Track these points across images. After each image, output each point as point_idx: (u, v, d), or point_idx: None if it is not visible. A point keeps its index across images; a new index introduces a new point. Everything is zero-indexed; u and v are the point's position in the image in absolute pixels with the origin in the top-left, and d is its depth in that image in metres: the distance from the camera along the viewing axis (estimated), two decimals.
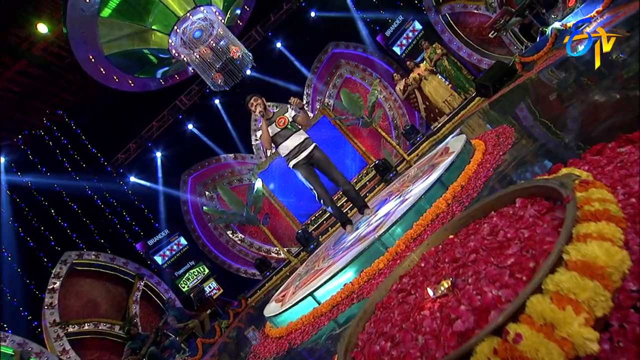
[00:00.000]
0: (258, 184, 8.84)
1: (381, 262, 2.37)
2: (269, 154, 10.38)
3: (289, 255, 9.03)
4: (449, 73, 8.62)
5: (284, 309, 2.84)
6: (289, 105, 3.83)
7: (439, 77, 8.83)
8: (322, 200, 3.72)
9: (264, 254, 10.38)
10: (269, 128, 3.71)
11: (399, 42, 10.65)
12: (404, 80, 8.78)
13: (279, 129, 3.72)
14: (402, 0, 11.69)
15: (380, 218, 3.03)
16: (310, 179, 3.69)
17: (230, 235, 10.49)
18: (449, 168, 2.68)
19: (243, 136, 11.54)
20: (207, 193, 10.59)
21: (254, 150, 10.96)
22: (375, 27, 12.09)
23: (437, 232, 1.23)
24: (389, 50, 11.07)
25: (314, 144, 3.80)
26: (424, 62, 9.02)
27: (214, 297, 10.03)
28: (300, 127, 3.81)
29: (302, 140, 3.73)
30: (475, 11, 9.09)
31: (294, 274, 4.81)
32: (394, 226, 2.47)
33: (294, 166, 3.74)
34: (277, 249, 9.19)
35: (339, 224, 8.09)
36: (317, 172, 3.78)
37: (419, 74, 8.64)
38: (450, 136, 6.42)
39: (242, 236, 10.51)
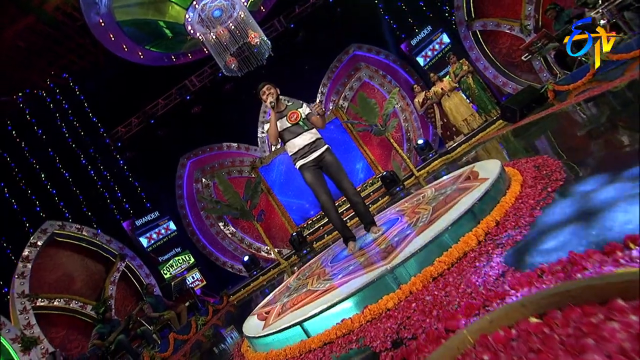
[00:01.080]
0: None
1: (390, 300, 1.96)
2: (273, 149, 9.98)
3: (280, 257, 8.61)
4: (473, 92, 8.21)
5: (266, 332, 2.43)
6: (303, 102, 3.45)
7: (461, 94, 8.43)
8: (325, 209, 3.32)
9: (253, 251, 9.96)
10: (278, 122, 3.31)
11: (423, 53, 10.26)
12: (424, 92, 8.38)
13: (289, 124, 3.32)
14: (432, 10, 11.32)
15: (390, 242, 2.62)
16: (316, 184, 3.28)
17: (222, 227, 10.08)
18: (483, 197, 2.27)
19: (250, 127, 11.14)
20: (203, 180, 10.18)
21: (259, 143, 10.55)
22: (400, 34, 11.72)
23: (508, 306, 0.83)
24: (411, 60, 10.68)
25: (326, 146, 3.40)
26: (447, 76, 8.62)
27: (195, 289, 9.61)
28: (312, 125, 3.40)
29: (313, 139, 3.33)
30: (507, 31, 8.70)
31: (283, 284, 4.40)
32: (410, 258, 2.06)
33: (300, 167, 3.33)
34: (268, 248, 8.79)
35: (336, 233, 7.69)
36: (325, 177, 3.38)
37: (441, 89, 8.24)
38: (465, 156, 6.01)
39: (234, 230, 10.10)
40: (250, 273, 8.84)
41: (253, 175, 9.81)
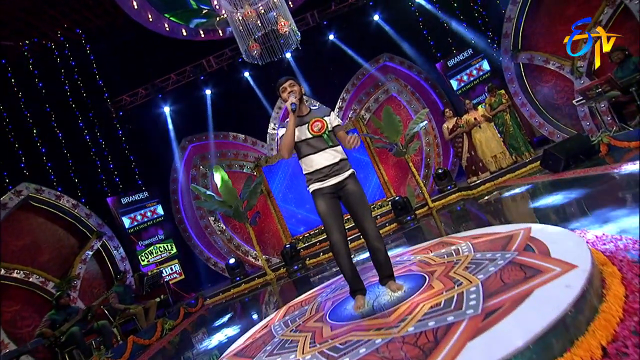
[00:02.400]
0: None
1: None
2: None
3: (267, 267, 7.88)
4: (507, 128, 7.50)
5: None
6: (331, 110, 2.75)
7: (494, 128, 7.72)
8: (335, 251, 2.59)
9: (240, 254, 9.24)
10: (297, 129, 2.59)
11: (458, 77, 9.55)
12: (455, 119, 7.67)
13: (310, 135, 2.61)
14: (475, 33, 10.63)
15: (422, 325, 1.89)
16: (330, 217, 2.57)
17: (211, 222, 9.37)
18: (578, 302, 1.54)
19: (261, 120, 10.45)
20: (201, 168, 9.47)
21: (268, 139, 9.84)
22: (437, 52, 11.04)
23: None
24: (444, 82, 9.97)
25: (350, 171, 2.69)
26: (482, 106, 7.91)
27: (171, 283, 8.89)
28: (338, 142, 2.70)
29: (337, 160, 2.62)
30: (555, 70, 7.97)
31: (267, 320, 3.66)
32: None
33: (314, 192, 2.62)
34: (257, 254, 8.07)
35: (331, 254, 7.00)
36: (343, 210, 2.67)
37: (474, 118, 7.53)
38: (487, 196, 5.17)
39: (224, 227, 9.38)
40: (233, 278, 8.11)
41: (255, 174, 9.10)
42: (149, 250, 9.23)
